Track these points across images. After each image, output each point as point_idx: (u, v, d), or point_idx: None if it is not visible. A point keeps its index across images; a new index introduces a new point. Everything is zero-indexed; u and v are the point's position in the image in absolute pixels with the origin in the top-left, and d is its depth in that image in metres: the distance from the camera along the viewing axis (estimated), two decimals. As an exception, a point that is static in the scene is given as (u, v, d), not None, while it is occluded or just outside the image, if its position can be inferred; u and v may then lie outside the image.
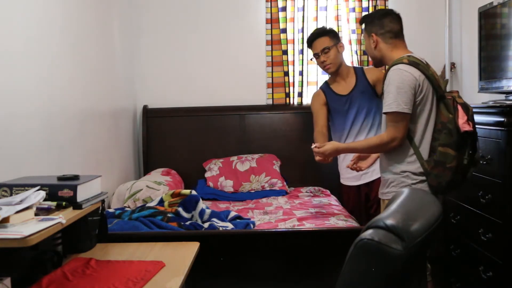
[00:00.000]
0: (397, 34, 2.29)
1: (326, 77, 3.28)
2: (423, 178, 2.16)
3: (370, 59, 2.70)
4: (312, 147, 2.35)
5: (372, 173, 2.96)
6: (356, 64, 3.75)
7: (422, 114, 2.15)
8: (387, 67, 2.25)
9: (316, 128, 3.08)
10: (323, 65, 3.05)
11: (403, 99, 2.09)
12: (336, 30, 3.76)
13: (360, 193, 3.08)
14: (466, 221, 2.71)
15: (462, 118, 2.09)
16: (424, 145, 2.16)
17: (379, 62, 2.38)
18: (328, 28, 3.15)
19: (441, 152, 2.09)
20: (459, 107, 2.11)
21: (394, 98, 2.10)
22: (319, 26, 3.79)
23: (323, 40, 3.01)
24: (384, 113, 2.17)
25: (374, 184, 2.93)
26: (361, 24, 2.49)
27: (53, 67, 2.30)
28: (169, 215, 2.43)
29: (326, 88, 3.15)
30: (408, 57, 2.16)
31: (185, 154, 3.75)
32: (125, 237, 2.09)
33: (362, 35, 2.55)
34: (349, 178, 3.09)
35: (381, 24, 2.30)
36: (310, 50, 3.13)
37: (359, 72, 3.11)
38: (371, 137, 2.24)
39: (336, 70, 3.05)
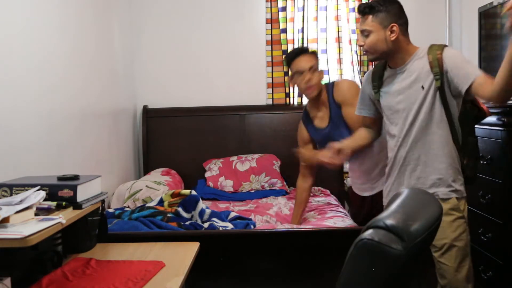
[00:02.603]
0: (408, 27, 2.07)
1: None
2: (462, 173, 2.05)
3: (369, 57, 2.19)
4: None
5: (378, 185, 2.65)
6: (356, 64, 3.75)
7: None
8: (438, 50, 2.02)
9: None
10: (305, 86, 2.56)
11: None
12: (336, 30, 3.78)
13: (364, 203, 2.77)
14: (466, 221, 2.71)
15: (481, 103, 2.06)
16: (459, 138, 2.03)
17: (383, 56, 2.08)
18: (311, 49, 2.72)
19: (470, 142, 2.03)
20: None
21: (473, 65, 2.00)
22: (319, 26, 3.79)
23: (309, 57, 2.58)
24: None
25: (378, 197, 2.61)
26: (368, 14, 2.02)
27: (52, 67, 2.30)
28: (169, 215, 2.43)
29: (306, 119, 2.75)
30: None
31: (185, 154, 3.75)
32: (125, 237, 2.09)
33: (369, 26, 2.02)
34: (357, 188, 2.77)
35: (399, 14, 2.01)
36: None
37: (329, 93, 2.62)
38: None
39: (316, 95, 2.60)
